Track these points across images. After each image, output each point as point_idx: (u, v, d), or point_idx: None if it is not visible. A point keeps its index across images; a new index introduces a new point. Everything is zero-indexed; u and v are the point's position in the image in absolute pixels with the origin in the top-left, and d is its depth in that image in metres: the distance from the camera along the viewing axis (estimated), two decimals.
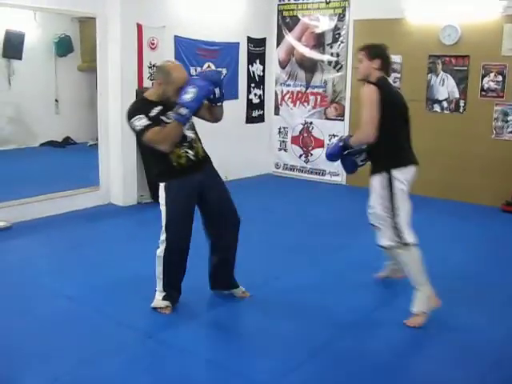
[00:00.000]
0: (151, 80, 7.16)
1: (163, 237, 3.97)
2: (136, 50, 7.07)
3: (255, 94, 9.02)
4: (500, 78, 7.32)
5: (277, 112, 9.31)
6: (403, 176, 4.01)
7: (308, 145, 9.03)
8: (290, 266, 5.08)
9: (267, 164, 9.40)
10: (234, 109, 8.39)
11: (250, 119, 8.96)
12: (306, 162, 9.10)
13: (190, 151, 3.95)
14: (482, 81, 7.45)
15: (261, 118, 9.21)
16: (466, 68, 7.54)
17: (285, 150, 9.32)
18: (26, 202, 6.34)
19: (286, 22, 9.03)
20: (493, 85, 7.39)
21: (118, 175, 7.11)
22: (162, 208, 3.95)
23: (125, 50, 6.88)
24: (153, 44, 7.28)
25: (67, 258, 5.19)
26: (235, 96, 8.54)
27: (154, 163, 4.06)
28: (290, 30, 8.99)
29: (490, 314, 4.22)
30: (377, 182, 4.06)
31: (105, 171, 7.14)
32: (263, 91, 9.19)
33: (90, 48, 6.99)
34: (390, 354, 3.65)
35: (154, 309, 4.07)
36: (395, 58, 8.00)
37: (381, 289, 4.69)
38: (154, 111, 3.84)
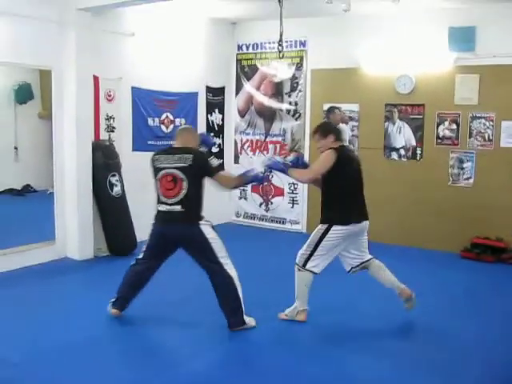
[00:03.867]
0: (108, 132, 7.14)
1: (229, 260, 4.72)
2: (92, 101, 7.02)
3: (214, 143, 9.01)
4: (454, 126, 7.47)
5: (237, 161, 9.30)
6: (340, 233, 4.78)
7: (268, 193, 9.03)
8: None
9: (228, 213, 9.34)
10: None
11: None
12: (267, 210, 9.07)
13: None
14: (437, 129, 7.60)
15: (221, 167, 9.17)
16: (421, 116, 7.68)
17: (245, 199, 9.29)
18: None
19: (245, 71, 9.10)
20: (448, 133, 7.53)
21: (74, 227, 6.96)
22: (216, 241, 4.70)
23: (81, 102, 6.81)
24: (110, 96, 7.25)
25: (17, 319, 4.97)
26: None
27: (201, 205, 4.81)
28: (249, 78, 9.06)
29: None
30: (318, 227, 4.88)
31: (60, 224, 6.98)
32: (223, 140, 9.19)
33: (50, 95, 6.92)
34: None
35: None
36: (352, 107, 8.15)
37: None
38: None
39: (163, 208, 4.69)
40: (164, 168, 4.67)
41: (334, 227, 4.75)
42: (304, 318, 4.93)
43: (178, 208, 4.62)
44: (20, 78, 7.11)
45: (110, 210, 7.08)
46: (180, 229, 4.65)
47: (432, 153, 7.66)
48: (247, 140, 9.17)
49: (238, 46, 9.13)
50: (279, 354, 4.36)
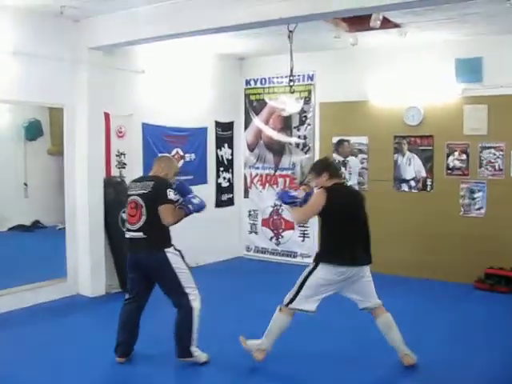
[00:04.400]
0: (119, 168, 7.18)
1: (196, 291, 4.72)
2: (103, 138, 7.08)
3: (224, 178, 9.04)
4: (464, 156, 7.47)
5: (246, 195, 9.32)
6: (326, 273, 4.54)
7: (278, 227, 9.01)
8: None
9: (238, 247, 9.32)
10: (203, 193, 8.26)
11: (219, 203, 8.93)
12: (277, 244, 9.04)
13: None
14: (447, 159, 7.59)
15: (230, 202, 9.20)
16: (431, 147, 7.69)
17: (255, 233, 9.28)
18: None
19: (253, 105, 9.18)
20: (458, 163, 7.52)
21: (86, 264, 6.95)
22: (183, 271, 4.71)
23: (92, 139, 6.87)
24: (120, 132, 7.30)
25: (29, 360, 4.90)
26: (204, 181, 8.53)
27: (165, 232, 4.76)
28: (258, 113, 9.13)
29: None
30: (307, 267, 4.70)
31: (72, 260, 6.97)
32: (232, 174, 9.22)
33: (59, 132, 6.97)
34: None
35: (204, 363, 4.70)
36: (361, 139, 8.18)
37: None
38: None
39: (128, 235, 4.81)
40: (131, 195, 4.82)
41: (321, 265, 4.55)
42: (261, 358, 4.70)
43: (140, 234, 4.70)
44: (29, 114, 7.18)
45: (122, 246, 7.02)
46: (144, 256, 4.72)
47: (442, 184, 7.65)
48: (257, 174, 9.20)
49: (246, 80, 9.22)
50: None
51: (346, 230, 4.57)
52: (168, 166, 4.99)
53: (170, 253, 4.67)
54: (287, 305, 4.62)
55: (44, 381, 4.49)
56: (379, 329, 4.73)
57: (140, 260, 4.73)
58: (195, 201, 4.89)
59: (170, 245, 4.74)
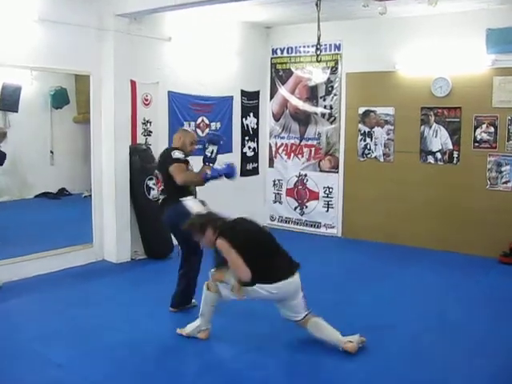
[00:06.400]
0: (145, 136, 7.23)
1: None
2: (130, 106, 7.11)
3: (249, 147, 9.04)
4: (492, 129, 7.36)
5: (271, 164, 9.33)
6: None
7: (303, 197, 9.02)
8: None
9: (262, 216, 9.32)
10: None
11: (244, 172, 8.94)
12: (302, 214, 9.06)
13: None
14: (474, 132, 7.49)
15: (255, 171, 9.21)
16: (458, 119, 7.59)
17: (280, 203, 9.30)
18: (17, 260, 6.24)
19: (280, 75, 9.12)
20: (485, 136, 7.42)
21: (112, 231, 7.05)
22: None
23: (118, 107, 6.91)
24: (146, 100, 7.33)
25: (58, 321, 5.04)
26: (229, 149, 8.53)
27: (176, 188, 5.09)
28: (284, 82, 9.07)
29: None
30: None
31: (98, 227, 7.08)
32: (257, 144, 9.22)
33: (85, 100, 7.03)
34: None
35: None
36: (388, 110, 8.10)
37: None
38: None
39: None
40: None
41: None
42: (206, 336, 4.65)
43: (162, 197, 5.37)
44: (56, 83, 7.24)
45: (147, 214, 7.14)
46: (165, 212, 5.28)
47: (469, 156, 7.56)
48: (282, 144, 9.18)
49: (273, 50, 9.15)
50: None
51: (267, 255, 4.48)
52: (183, 135, 5.42)
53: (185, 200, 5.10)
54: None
55: (73, 341, 4.63)
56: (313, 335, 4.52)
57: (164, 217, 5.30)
58: (219, 167, 5.16)
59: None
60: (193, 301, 5.29)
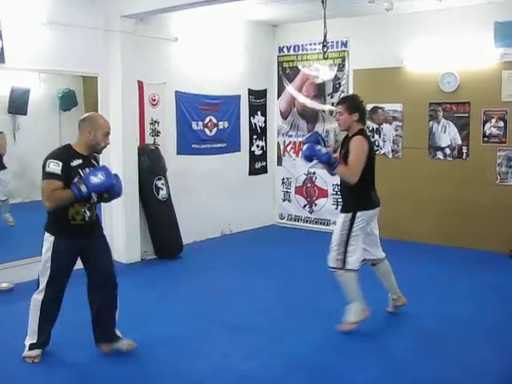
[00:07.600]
0: (153, 136, 7.24)
1: (43, 285, 4.23)
2: (137, 106, 7.13)
3: (257, 146, 9.04)
4: (501, 123, 7.32)
5: (280, 163, 9.32)
6: (365, 217, 4.61)
7: (312, 195, 9.01)
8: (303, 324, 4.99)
9: (271, 215, 9.36)
10: (236, 161, 8.42)
11: (252, 171, 8.95)
12: (311, 212, 9.05)
13: (87, 212, 4.13)
14: (483, 127, 7.45)
15: (264, 170, 9.21)
16: (467, 115, 7.55)
17: (289, 201, 9.29)
18: (28, 262, 6.23)
19: (287, 73, 9.12)
20: (495, 130, 7.38)
21: (121, 231, 7.07)
22: (47, 262, 4.17)
23: (126, 107, 6.93)
24: (154, 100, 7.34)
25: (68, 323, 5.05)
26: (237, 148, 8.54)
27: (53, 211, 4.04)
28: (291, 80, 9.07)
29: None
30: (340, 220, 4.67)
31: (107, 228, 7.02)
32: (265, 142, 9.21)
33: (93, 102, 7.04)
34: None
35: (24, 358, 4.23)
36: (395, 107, 8.08)
37: None
38: (75, 162, 4.02)
39: None
40: None
41: (358, 214, 4.58)
42: (367, 313, 4.71)
43: None
44: (64, 85, 7.26)
45: (157, 214, 7.16)
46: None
47: (479, 151, 7.52)
48: (290, 142, 9.17)
49: (279, 48, 9.15)
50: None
51: (372, 176, 4.73)
52: (94, 127, 4.17)
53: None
54: (343, 267, 4.62)
55: (80, 347, 4.64)
56: (379, 276, 5.01)
57: None
58: (95, 179, 3.88)
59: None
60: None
